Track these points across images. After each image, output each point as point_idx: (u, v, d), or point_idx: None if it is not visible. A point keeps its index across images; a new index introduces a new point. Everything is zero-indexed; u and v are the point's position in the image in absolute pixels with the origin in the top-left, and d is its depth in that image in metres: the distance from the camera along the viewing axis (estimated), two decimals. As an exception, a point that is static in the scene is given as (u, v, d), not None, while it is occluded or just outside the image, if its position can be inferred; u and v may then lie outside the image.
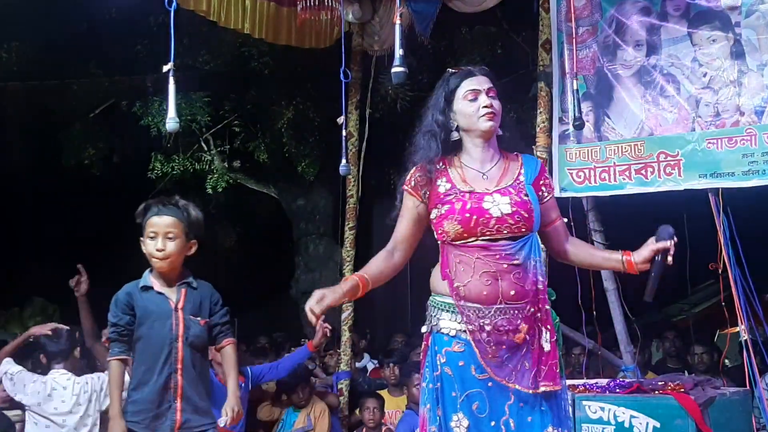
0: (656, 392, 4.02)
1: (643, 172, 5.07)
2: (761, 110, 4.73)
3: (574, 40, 5.22)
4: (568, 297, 4.84)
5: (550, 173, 5.49)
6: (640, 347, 6.19)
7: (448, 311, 2.92)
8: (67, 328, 4.81)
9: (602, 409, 3.99)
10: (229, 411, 3.65)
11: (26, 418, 4.58)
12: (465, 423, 2.84)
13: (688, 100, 4.98)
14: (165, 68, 4.25)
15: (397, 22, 3.73)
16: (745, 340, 4.68)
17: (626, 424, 3.91)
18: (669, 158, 4.99)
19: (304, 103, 8.99)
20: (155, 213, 3.74)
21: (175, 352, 3.68)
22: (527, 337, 2.86)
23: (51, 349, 4.68)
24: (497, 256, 2.86)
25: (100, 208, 11.56)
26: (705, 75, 4.93)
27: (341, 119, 5.66)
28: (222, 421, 3.68)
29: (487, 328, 2.83)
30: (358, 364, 7.37)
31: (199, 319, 3.76)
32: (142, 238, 3.77)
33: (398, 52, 3.44)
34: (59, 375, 4.62)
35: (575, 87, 5.06)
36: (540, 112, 5.52)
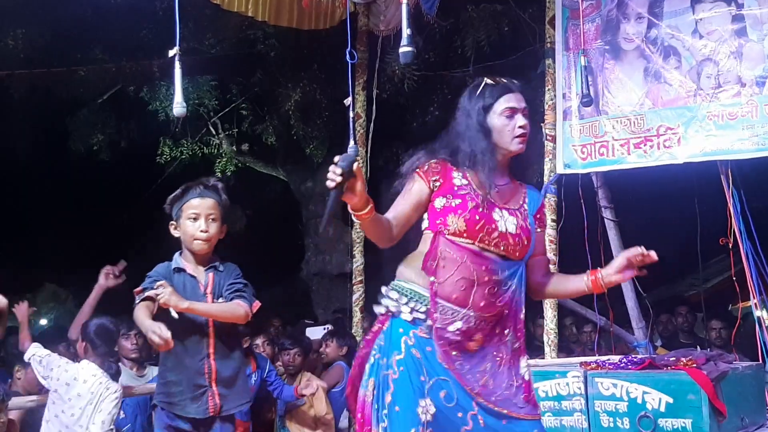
0: (668, 368, 4.02)
1: (642, 146, 5.04)
2: (762, 81, 4.69)
3: (581, 14, 5.18)
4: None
5: (555, 150, 5.48)
6: (651, 323, 6.19)
7: (415, 300, 2.87)
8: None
9: (614, 385, 3.99)
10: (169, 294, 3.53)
11: (48, 401, 4.57)
12: (432, 410, 2.77)
13: (689, 72, 4.93)
14: (171, 53, 4.23)
15: (404, 1, 3.70)
16: (758, 316, 4.68)
17: (639, 400, 3.91)
18: (669, 131, 4.96)
19: (310, 85, 8.96)
20: (198, 194, 3.79)
21: (207, 337, 3.70)
22: (483, 350, 2.83)
23: (99, 345, 4.61)
24: (483, 267, 2.84)
25: (110, 193, 11.61)
26: (706, 47, 4.89)
27: (348, 100, 5.64)
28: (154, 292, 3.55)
29: (450, 328, 2.80)
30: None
31: (223, 301, 3.76)
32: (173, 222, 3.80)
33: (406, 31, 3.42)
34: (88, 367, 4.58)
35: (583, 63, 5.04)
36: (548, 90, 5.50)
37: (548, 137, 5.47)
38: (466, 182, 2.93)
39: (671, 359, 4.13)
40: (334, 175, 2.59)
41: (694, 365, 3.94)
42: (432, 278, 2.84)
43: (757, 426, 4.11)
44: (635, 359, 4.26)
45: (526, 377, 2.92)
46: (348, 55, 5.44)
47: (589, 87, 5.10)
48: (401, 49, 3.37)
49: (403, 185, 3.00)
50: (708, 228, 5.73)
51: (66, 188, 11.63)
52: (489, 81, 3.02)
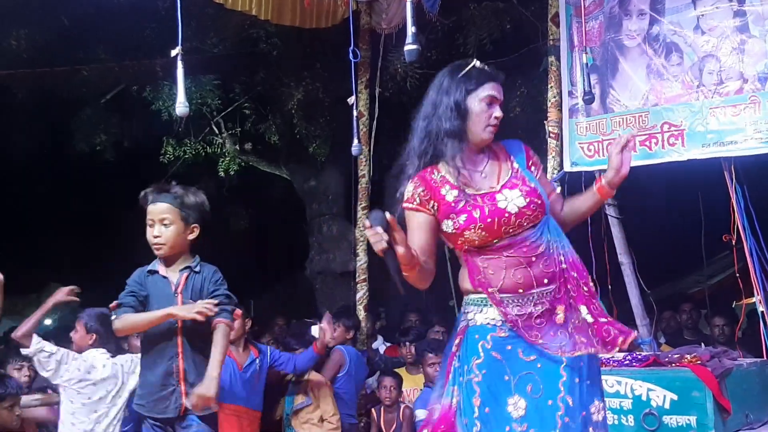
0: (673, 365, 4.02)
1: (647, 143, 5.05)
2: (765, 77, 4.68)
3: (582, 12, 5.18)
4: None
5: (562, 148, 5.47)
6: (655, 320, 6.19)
7: (487, 306, 2.89)
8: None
9: (619, 382, 3.99)
10: (194, 398, 3.56)
11: (62, 397, 4.60)
12: (522, 404, 2.80)
13: (692, 68, 4.93)
14: (173, 52, 4.25)
15: (408, -1, 3.69)
16: (762, 311, 4.67)
17: (643, 397, 3.91)
18: (673, 128, 4.96)
19: (313, 83, 8.95)
20: (150, 201, 3.81)
21: (175, 337, 3.71)
22: (567, 315, 2.85)
23: (103, 332, 4.69)
24: (524, 249, 2.84)
25: (113, 193, 11.61)
26: (708, 43, 4.88)
27: (351, 99, 5.65)
28: (187, 403, 3.62)
29: (519, 312, 2.82)
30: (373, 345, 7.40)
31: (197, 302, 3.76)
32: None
33: (410, 29, 3.42)
34: (99, 353, 4.66)
35: (585, 60, 5.04)
36: (551, 87, 5.50)
37: (551, 134, 5.47)
38: (456, 192, 2.90)
39: (675, 356, 4.13)
40: (377, 238, 2.61)
41: (699, 362, 3.94)
42: (491, 289, 2.86)
43: (761, 422, 4.11)
44: (639, 356, 4.26)
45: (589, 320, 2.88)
46: (351, 54, 5.45)
47: (591, 84, 5.09)
48: (406, 47, 3.38)
49: (399, 197, 2.98)
50: (712, 225, 5.73)
51: (69, 188, 11.64)
52: (478, 65, 2.99)
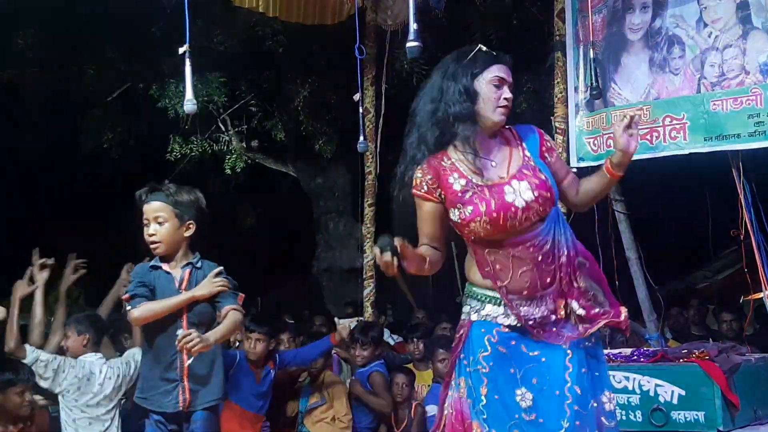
0: (681, 360, 4.01)
1: (648, 137, 5.02)
2: (767, 69, 4.65)
3: (589, 6, 5.16)
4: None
5: (568, 144, 5.46)
6: (662, 316, 6.18)
7: (490, 303, 2.90)
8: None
9: (627, 378, 3.98)
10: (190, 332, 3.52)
11: (61, 405, 4.58)
12: (529, 396, 2.81)
13: (693, 61, 4.90)
14: (180, 50, 4.24)
15: (411, -4, 3.69)
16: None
17: (651, 393, 3.91)
18: (674, 122, 4.93)
19: (319, 81, 8.98)
20: (144, 200, 3.81)
21: (180, 330, 3.70)
22: (566, 310, 2.87)
23: (95, 335, 4.69)
24: (530, 248, 2.83)
25: (120, 191, 11.63)
26: (710, 35, 4.85)
27: (357, 96, 5.65)
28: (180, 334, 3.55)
29: (533, 316, 2.84)
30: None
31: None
32: None
33: (412, 26, 3.41)
34: (96, 359, 4.64)
35: (592, 56, 5.02)
36: (557, 83, 5.49)
37: (558, 130, 5.46)
38: (464, 181, 2.88)
39: (683, 352, 4.12)
40: (387, 266, 2.65)
41: (707, 358, 3.94)
42: (500, 283, 2.86)
43: (770, 418, 4.10)
44: (647, 352, 4.26)
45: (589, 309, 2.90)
46: (357, 51, 5.45)
47: (598, 79, 5.09)
48: (408, 44, 3.37)
49: (403, 194, 2.99)
50: (719, 220, 5.72)
51: (77, 186, 11.66)
52: (483, 48, 2.99)
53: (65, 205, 11.85)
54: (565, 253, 2.88)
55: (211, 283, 3.71)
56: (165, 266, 3.81)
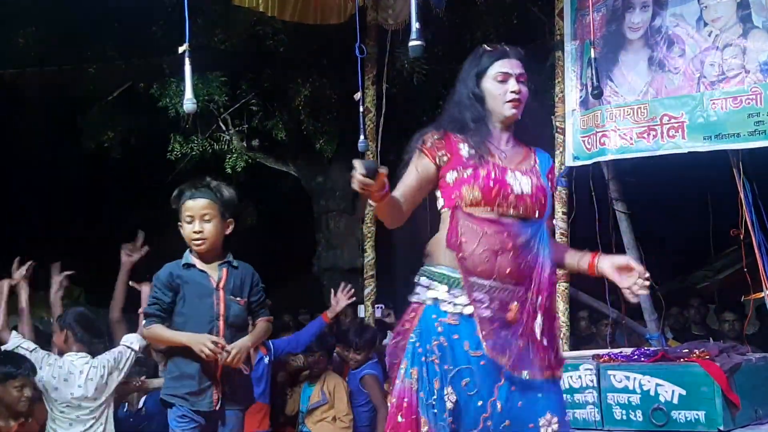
0: (681, 360, 4.01)
1: (645, 135, 5.01)
2: (767, 68, 4.65)
3: (591, 5, 5.15)
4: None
5: (565, 142, 5.47)
6: (663, 315, 6.18)
7: (444, 282, 2.84)
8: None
9: (627, 378, 3.98)
10: (232, 348, 3.65)
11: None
12: (453, 398, 2.75)
13: (693, 60, 4.90)
14: (180, 49, 4.23)
15: (413, -6, 3.68)
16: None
17: (652, 393, 3.90)
18: (673, 120, 4.93)
19: (320, 80, 8.97)
20: (189, 197, 3.79)
21: (216, 331, 3.71)
22: (521, 318, 2.79)
23: (79, 334, 4.62)
24: (505, 234, 2.80)
25: (121, 190, 11.64)
26: (710, 34, 4.85)
27: (358, 95, 5.64)
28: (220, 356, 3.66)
29: (485, 302, 2.77)
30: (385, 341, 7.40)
31: (239, 299, 3.80)
32: (180, 223, 3.83)
33: (415, 25, 3.40)
34: (77, 358, 4.55)
35: (592, 55, 5.02)
36: (558, 82, 5.49)
37: (559, 129, 5.46)
38: (473, 151, 2.88)
39: (684, 351, 4.11)
40: (360, 186, 2.55)
41: (707, 357, 3.93)
42: (460, 254, 2.79)
43: (771, 417, 4.10)
44: (648, 351, 4.26)
45: (542, 341, 2.84)
46: (357, 50, 5.44)
47: (599, 78, 5.08)
48: (410, 43, 3.37)
49: (410, 160, 2.95)
50: (720, 220, 5.72)
51: (77, 185, 11.66)
52: (487, 47, 3.01)
53: (66, 204, 11.86)
54: (548, 271, 2.85)
55: (207, 346, 3.62)
56: (199, 264, 3.80)
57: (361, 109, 5.65)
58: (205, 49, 8.38)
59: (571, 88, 5.41)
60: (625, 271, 2.92)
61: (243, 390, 3.87)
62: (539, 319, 2.82)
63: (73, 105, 9.80)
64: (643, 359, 4.09)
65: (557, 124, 5.47)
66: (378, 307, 6.96)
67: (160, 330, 3.74)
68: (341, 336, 6.01)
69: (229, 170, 9.71)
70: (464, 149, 2.90)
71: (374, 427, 5.70)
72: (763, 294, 4.81)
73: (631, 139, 5.07)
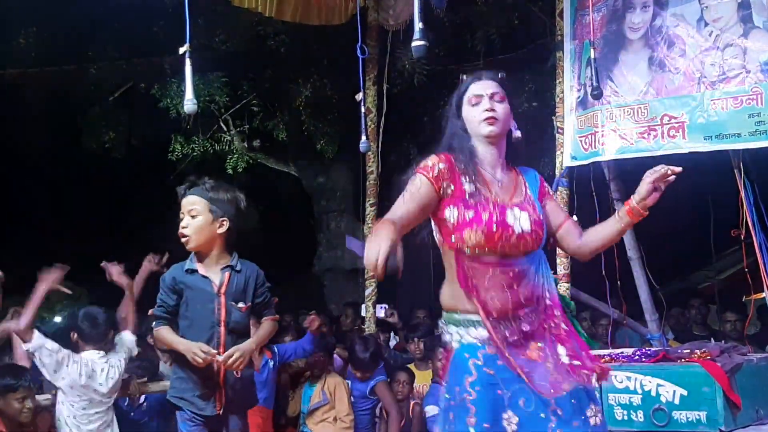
0: (682, 360, 4.00)
1: (645, 135, 5.01)
2: (767, 68, 4.64)
3: (591, 5, 5.15)
4: (593, 268, 4.82)
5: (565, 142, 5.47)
6: (664, 316, 6.18)
7: (473, 326, 2.85)
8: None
9: (628, 378, 3.98)
10: (234, 351, 3.69)
11: (60, 398, 4.51)
12: (515, 420, 2.76)
13: (693, 60, 4.89)
14: (181, 50, 4.24)
15: (415, -6, 3.68)
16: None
17: (653, 393, 3.90)
18: (673, 120, 4.92)
19: (321, 80, 8.97)
20: (182, 195, 3.85)
21: (217, 337, 3.73)
22: (541, 352, 2.82)
23: (87, 332, 4.63)
24: (510, 273, 2.82)
25: (122, 190, 11.64)
26: (711, 34, 4.84)
27: (359, 95, 5.64)
28: (220, 357, 3.69)
29: (508, 338, 2.80)
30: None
31: (241, 305, 3.81)
32: None
33: (418, 25, 3.40)
34: (98, 357, 4.58)
35: (592, 55, 5.02)
36: (559, 82, 5.49)
37: (559, 130, 5.46)
38: (474, 187, 2.87)
39: (685, 351, 4.11)
40: (380, 272, 2.48)
41: (709, 357, 3.93)
42: (474, 296, 2.82)
43: (772, 418, 4.09)
44: (649, 352, 4.25)
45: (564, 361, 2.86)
46: (358, 50, 5.44)
47: (599, 79, 5.08)
48: (413, 43, 3.37)
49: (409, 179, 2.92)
50: (721, 220, 5.71)
51: (79, 186, 11.67)
52: (464, 76, 3.02)
53: (66, 204, 11.87)
54: (551, 295, 2.88)
55: (198, 355, 3.64)
56: (201, 269, 3.80)
57: (363, 109, 5.65)
58: (206, 49, 8.39)
59: (569, 89, 5.41)
60: (659, 179, 3.00)
61: (246, 394, 3.88)
62: (562, 349, 2.85)
63: (74, 105, 9.81)
64: (644, 360, 4.09)
65: (558, 124, 5.48)
66: (381, 307, 6.98)
67: (165, 333, 3.79)
68: (341, 337, 6.02)
69: (230, 171, 9.71)
70: (466, 183, 2.88)
71: (376, 429, 5.73)
72: (764, 294, 4.81)
73: (631, 139, 5.06)
